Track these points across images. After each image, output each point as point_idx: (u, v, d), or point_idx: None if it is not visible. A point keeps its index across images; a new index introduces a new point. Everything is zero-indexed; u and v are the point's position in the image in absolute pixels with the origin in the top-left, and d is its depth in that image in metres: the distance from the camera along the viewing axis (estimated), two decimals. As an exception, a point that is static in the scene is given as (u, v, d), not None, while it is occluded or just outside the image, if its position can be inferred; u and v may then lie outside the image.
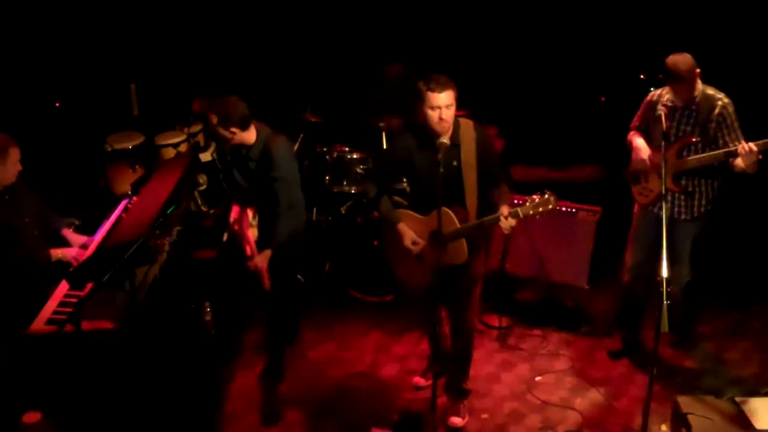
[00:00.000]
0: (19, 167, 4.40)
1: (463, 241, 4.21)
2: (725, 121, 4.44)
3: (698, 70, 4.41)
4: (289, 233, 4.67)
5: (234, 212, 5.01)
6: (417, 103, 4.19)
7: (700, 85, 4.46)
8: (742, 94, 4.66)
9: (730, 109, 4.45)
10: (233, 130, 4.51)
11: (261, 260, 4.62)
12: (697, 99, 4.47)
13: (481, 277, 4.49)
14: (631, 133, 4.84)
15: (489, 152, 4.28)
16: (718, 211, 4.77)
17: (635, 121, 4.87)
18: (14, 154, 4.35)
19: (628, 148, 4.83)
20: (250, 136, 4.60)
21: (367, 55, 7.14)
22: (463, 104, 4.24)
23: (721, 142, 4.47)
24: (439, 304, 4.10)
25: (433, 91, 4.04)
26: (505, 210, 4.07)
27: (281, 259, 4.69)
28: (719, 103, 4.45)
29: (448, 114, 4.07)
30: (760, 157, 4.30)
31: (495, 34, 7.51)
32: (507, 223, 4.06)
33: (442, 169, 3.94)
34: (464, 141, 4.19)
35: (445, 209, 4.10)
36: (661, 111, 4.43)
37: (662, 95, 4.64)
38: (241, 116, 4.50)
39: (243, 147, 4.63)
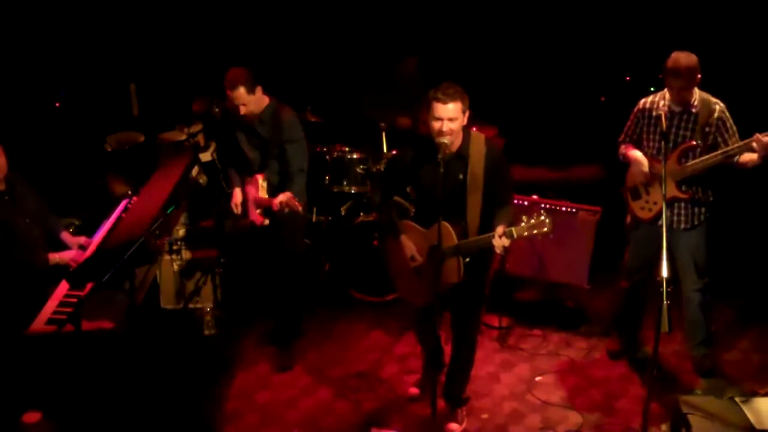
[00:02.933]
0: (3, 161, 4.36)
1: (459, 260, 4.12)
2: (725, 125, 4.43)
3: (699, 75, 4.37)
4: (302, 194, 4.90)
5: (236, 196, 5.06)
6: (423, 110, 4.15)
7: (697, 90, 4.45)
8: (740, 94, 4.67)
9: (727, 112, 4.45)
10: (257, 89, 4.80)
11: (283, 195, 4.79)
12: (696, 103, 4.45)
13: (485, 297, 4.45)
14: (623, 146, 4.77)
15: (499, 170, 4.14)
16: (716, 212, 4.76)
17: (624, 134, 4.79)
18: None
19: (623, 161, 4.78)
20: (264, 98, 4.90)
21: (366, 54, 7.15)
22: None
23: (721, 145, 4.44)
24: (437, 320, 4.08)
25: (438, 101, 3.94)
26: (500, 229, 3.96)
27: (290, 225, 4.95)
28: (717, 107, 4.44)
29: (451, 127, 3.95)
30: None
31: (495, 34, 7.51)
32: (500, 242, 3.94)
33: (442, 170, 3.93)
34: (473, 155, 4.09)
35: (445, 224, 4.04)
36: (662, 111, 4.41)
37: (655, 102, 4.58)
38: (254, 76, 4.80)
39: (256, 112, 4.87)
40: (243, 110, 4.80)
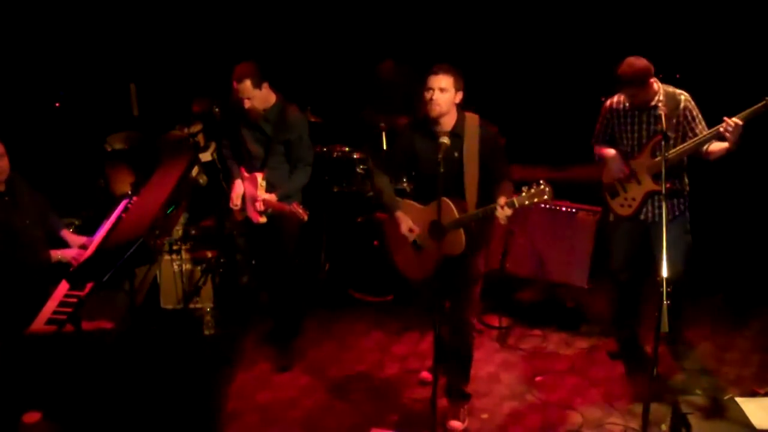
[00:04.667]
0: (5, 161, 4.36)
1: (461, 231, 4.24)
2: (691, 114, 4.53)
3: (652, 79, 4.45)
4: (299, 188, 4.97)
5: (236, 188, 5.03)
6: (419, 97, 4.26)
7: (659, 85, 4.53)
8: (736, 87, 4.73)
9: (692, 102, 4.54)
10: (264, 85, 4.78)
11: (268, 197, 4.85)
12: (661, 97, 4.52)
13: (481, 276, 4.50)
14: (597, 147, 4.87)
15: (493, 148, 4.29)
16: (718, 211, 4.78)
17: (596, 135, 4.87)
18: None
19: (599, 161, 4.88)
20: (271, 95, 4.88)
21: (367, 54, 7.14)
22: (466, 103, 4.26)
23: (690, 135, 4.53)
24: (440, 301, 4.11)
25: (431, 73, 4.16)
26: (501, 200, 4.07)
27: (287, 224, 4.93)
28: (682, 98, 4.53)
29: (440, 97, 4.13)
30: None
31: (495, 33, 7.51)
32: (503, 212, 4.06)
33: (442, 170, 3.97)
34: (468, 134, 4.23)
35: (445, 199, 4.14)
36: (662, 111, 4.44)
37: (620, 101, 4.68)
38: (261, 71, 4.79)
39: (263, 109, 4.86)
40: (247, 104, 4.78)
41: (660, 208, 4.65)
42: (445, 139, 4.03)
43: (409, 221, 4.39)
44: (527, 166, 6.43)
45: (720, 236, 6.12)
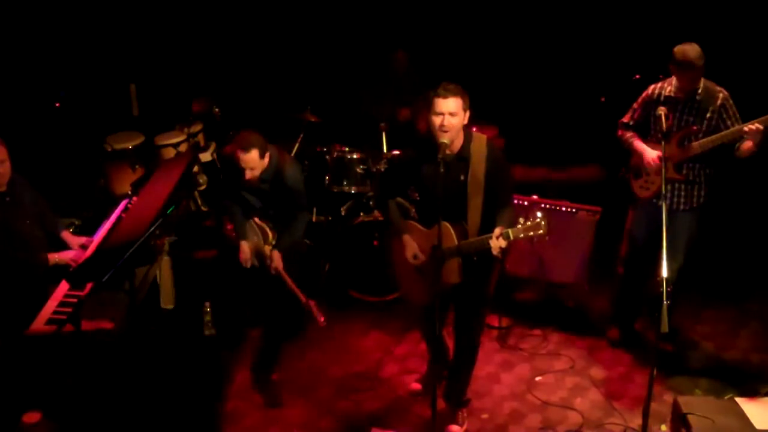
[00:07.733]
0: (7, 166, 4.36)
1: (458, 260, 4.14)
2: (727, 112, 4.58)
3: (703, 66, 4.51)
4: (302, 233, 4.90)
5: (245, 251, 4.88)
6: (423, 108, 4.18)
7: (702, 78, 4.58)
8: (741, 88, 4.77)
9: (731, 100, 4.60)
10: (267, 155, 4.66)
11: (277, 261, 4.74)
12: (700, 91, 4.59)
13: (488, 299, 4.46)
14: (628, 134, 4.89)
15: (500, 172, 4.15)
16: (718, 211, 4.79)
17: (628, 117, 4.91)
18: None
19: (624, 145, 4.92)
20: (266, 159, 4.72)
21: (367, 51, 7.16)
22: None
23: (722, 130, 4.56)
24: (438, 319, 4.06)
25: (438, 96, 3.98)
26: (497, 230, 3.97)
27: (289, 258, 4.79)
28: (720, 95, 4.59)
29: (451, 122, 3.97)
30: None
31: (495, 34, 7.52)
32: (497, 243, 3.95)
33: (442, 170, 3.94)
34: (474, 156, 4.10)
35: (446, 224, 4.06)
36: (662, 112, 4.47)
37: (663, 87, 4.72)
38: (265, 139, 4.64)
39: (259, 175, 4.71)
40: (249, 174, 4.63)
41: (677, 196, 4.75)
42: (446, 138, 3.98)
43: (415, 247, 4.29)
44: (527, 166, 6.43)
45: (720, 236, 6.13)
